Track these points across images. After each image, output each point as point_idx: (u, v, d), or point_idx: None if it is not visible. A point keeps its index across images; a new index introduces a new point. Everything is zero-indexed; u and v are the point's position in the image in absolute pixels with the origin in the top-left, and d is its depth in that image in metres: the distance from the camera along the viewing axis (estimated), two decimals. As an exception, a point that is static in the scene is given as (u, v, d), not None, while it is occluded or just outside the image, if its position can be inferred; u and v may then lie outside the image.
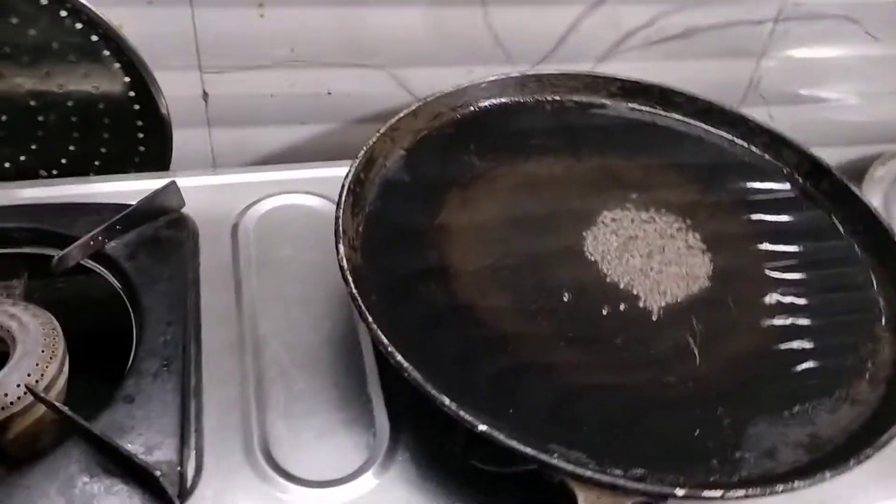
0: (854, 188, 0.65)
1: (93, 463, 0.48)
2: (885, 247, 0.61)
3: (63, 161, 0.72)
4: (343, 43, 0.71)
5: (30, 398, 0.51)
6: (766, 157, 0.70)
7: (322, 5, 0.68)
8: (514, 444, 0.44)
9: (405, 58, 0.74)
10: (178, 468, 0.49)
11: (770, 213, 0.65)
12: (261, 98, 0.73)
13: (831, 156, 0.94)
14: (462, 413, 0.45)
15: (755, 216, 0.65)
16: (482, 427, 0.44)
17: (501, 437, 0.44)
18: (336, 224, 0.55)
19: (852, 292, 0.60)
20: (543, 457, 0.44)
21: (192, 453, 0.50)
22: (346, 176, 0.59)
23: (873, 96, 0.90)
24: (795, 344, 0.56)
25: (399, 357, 0.47)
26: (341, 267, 0.52)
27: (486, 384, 0.50)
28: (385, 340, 0.48)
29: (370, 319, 0.49)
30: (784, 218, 0.65)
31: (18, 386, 0.52)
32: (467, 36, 0.73)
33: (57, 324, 0.56)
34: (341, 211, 0.56)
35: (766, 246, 0.63)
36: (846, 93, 0.89)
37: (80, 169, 0.72)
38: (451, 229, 0.60)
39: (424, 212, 0.61)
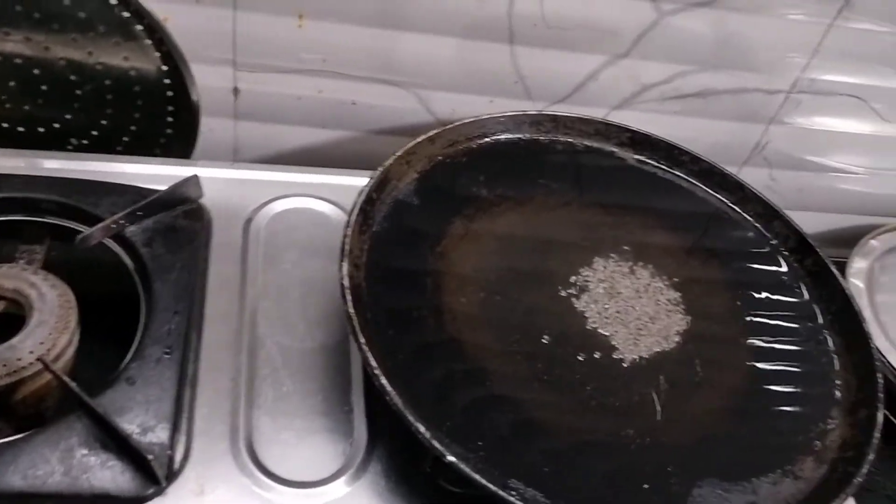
0: (835, 271, 0.68)
1: (92, 437, 0.52)
2: (853, 333, 0.64)
3: (94, 133, 0.75)
4: (373, 59, 0.75)
5: (40, 365, 0.55)
6: (758, 226, 0.73)
7: (359, 24, 0.71)
8: (477, 477, 0.48)
9: (430, 80, 0.77)
10: (169, 452, 0.53)
11: (752, 287, 0.69)
12: (288, 99, 0.77)
13: (828, 222, 0.98)
14: (434, 442, 0.49)
15: (737, 285, 0.69)
16: (450, 458, 0.49)
17: (467, 469, 0.48)
18: (343, 242, 0.59)
19: (815, 371, 0.63)
20: (502, 493, 0.48)
21: (183, 438, 0.55)
22: (360, 194, 0.63)
23: (876, 171, 0.93)
24: (752, 412, 0.60)
25: (383, 380, 0.51)
26: (342, 285, 0.56)
27: (460, 413, 0.54)
28: (373, 363, 0.52)
29: (362, 340, 0.53)
30: (764, 293, 0.68)
31: (31, 353, 0.56)
32: (492, 69, 0.76)
33: (73, 296, 0.60)
34: (350, 230, 0.60)
35: (742, 315, 0.66)
36: (849, 164, 0.92)
37: (109, 142, 0.76)
38: (450, 258, 0.64)
39: (428, 238, 0.65)
